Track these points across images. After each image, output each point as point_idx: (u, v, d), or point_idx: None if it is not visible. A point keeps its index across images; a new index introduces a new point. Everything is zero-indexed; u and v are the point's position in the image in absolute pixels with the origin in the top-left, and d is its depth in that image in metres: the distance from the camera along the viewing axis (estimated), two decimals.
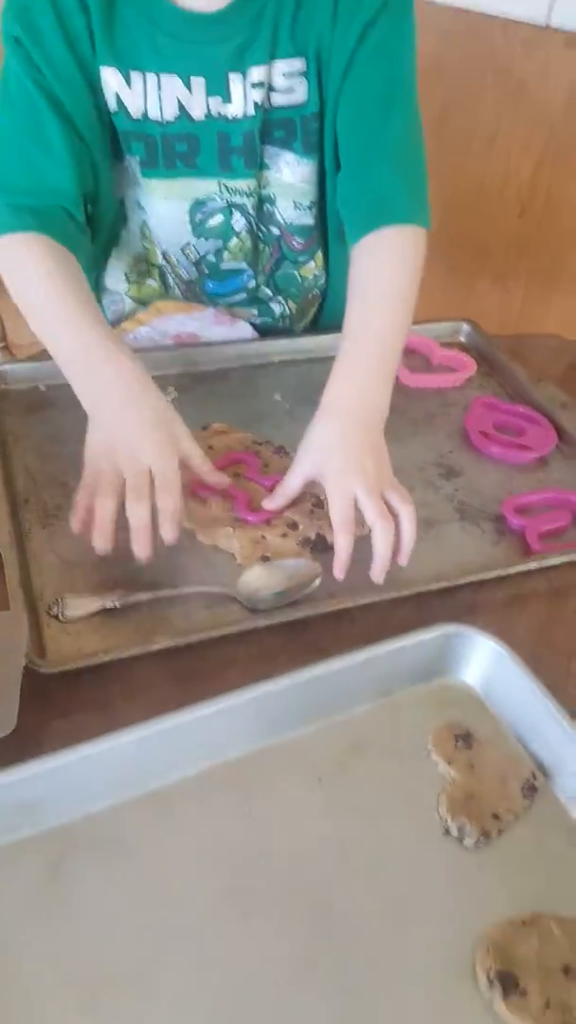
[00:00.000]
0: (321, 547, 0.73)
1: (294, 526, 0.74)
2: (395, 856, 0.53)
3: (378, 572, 0.67)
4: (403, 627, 0.62)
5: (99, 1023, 0.44)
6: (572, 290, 1.58)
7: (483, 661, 0.63)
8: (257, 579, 0.69)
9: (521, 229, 1.58)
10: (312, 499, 0.76)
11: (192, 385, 0.90)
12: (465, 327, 1.04)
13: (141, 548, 0.65)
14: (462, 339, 1.04)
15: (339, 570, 0.67)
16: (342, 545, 0.67)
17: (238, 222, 0.92)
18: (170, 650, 0.63)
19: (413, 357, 0.99)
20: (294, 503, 0.74)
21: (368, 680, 0.61)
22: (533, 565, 0.72)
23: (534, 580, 0.74)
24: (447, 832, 0.54)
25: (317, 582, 0.69)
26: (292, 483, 0.73)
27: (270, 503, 0.73)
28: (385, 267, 0.82)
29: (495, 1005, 0.45)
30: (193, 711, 0.55)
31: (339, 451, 0.70)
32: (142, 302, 1.00)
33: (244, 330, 0.98)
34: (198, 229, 0.92)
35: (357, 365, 0.76)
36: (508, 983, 0.45)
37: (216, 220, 0.91)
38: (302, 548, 0.72)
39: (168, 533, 0.66)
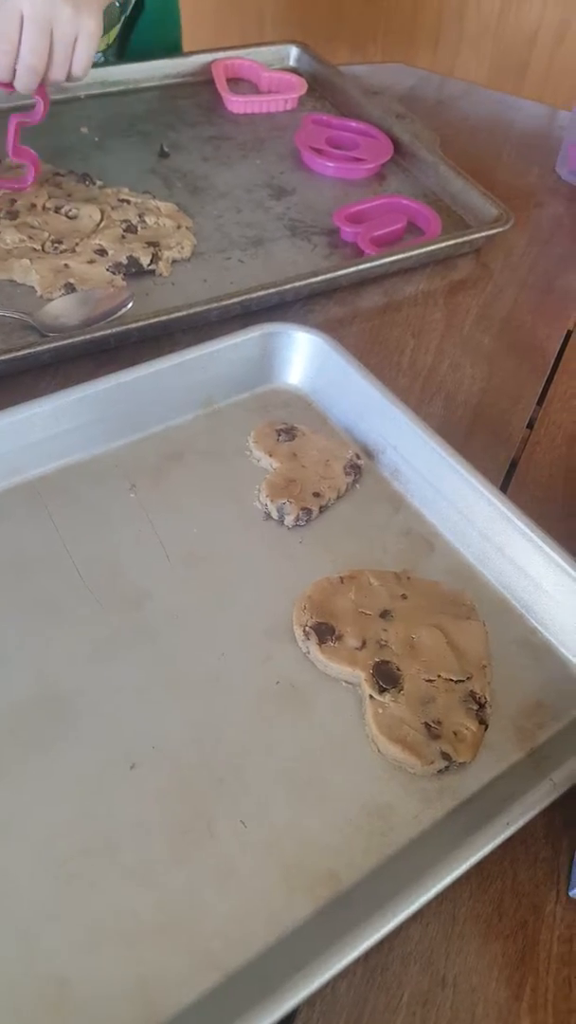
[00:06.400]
0: (135, 271, 0.66)
1: (102, 252, 0.67)
2: (215, 546, 0.50)
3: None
4: None
5: None
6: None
7: (306, 358, 0.59)
8: (60, 309, 0.62)
9: None
10: (123, 224, 0.69)
11: None
12: (294, 50, 0.93)
13: None
14: (292, 63, 0.93)
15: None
16: None
17: None
18: None
19: (239, 84, 0.89)
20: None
21: (186, 390, 0.57)
22: (364, 266, 0.67)
23: (369, 292, 0.70)
24: (268, 516, 0.51)
25: (128, 305, 0.62)
26: None
27: None
28: None
29: (311, 653, 0.44)
30: None
31: None
32: None
33: None
34: None
35: None
36: (323, 632, 0.44)
37: None
38: (113, 274, 0.65)
39: None
